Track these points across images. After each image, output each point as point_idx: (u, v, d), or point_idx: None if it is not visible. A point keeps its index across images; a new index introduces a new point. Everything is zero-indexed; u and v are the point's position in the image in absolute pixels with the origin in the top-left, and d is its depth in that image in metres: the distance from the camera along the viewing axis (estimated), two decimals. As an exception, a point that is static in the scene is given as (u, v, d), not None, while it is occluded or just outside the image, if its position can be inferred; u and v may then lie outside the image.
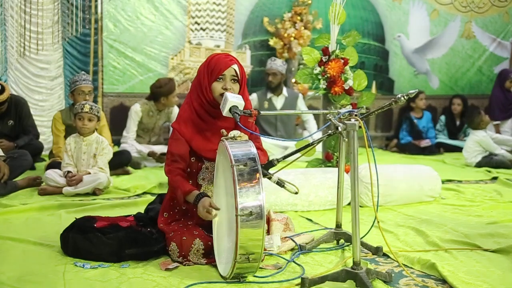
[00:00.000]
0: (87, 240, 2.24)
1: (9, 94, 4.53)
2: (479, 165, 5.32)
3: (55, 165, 4.06)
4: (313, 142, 2.28)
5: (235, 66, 2.34)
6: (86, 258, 2.22)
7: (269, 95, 5.91)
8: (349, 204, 3.23)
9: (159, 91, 5.12)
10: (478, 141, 5.41)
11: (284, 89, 5.96)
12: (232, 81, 2.33)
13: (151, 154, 5.11)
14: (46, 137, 5.52)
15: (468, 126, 6.01)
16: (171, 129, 2.42)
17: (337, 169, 2.52)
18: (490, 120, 5.61)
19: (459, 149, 6.24)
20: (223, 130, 2.13)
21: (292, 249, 2.43)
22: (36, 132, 4.90)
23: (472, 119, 5.55)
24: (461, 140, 6.97)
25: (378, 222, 2.09)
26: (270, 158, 2.29)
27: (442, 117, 7.38)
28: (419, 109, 6.97)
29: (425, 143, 6.67)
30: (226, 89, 2.29)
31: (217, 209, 2.10)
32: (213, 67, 2.33)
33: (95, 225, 2.35)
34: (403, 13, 7.69)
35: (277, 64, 5.83)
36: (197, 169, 2.41)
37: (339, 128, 1.96)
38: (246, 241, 1.87)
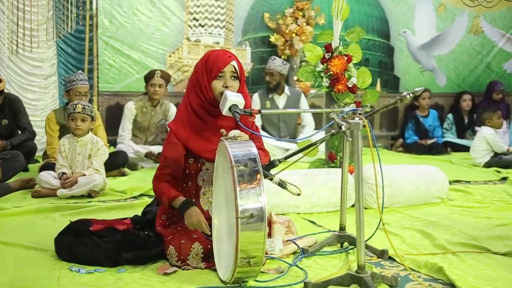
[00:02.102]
0: (83, 244, 2.24)
1: (5, 85, 4.59)
2: (487, 165, 5.32)
3: (49, 166, 4.06)
4: (315, 142, 2.28)
5: (234, 63, 2.33)
6: (82, 262, 2.22)
7: (270, 94, 5.91)
8: (353, 205, 3.24)
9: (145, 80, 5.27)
10: (486, 138, 5.41)
11: (286, 88, 5.97)
12: (232, 78, 2.33)
13: (149, 155, 5.12)
14: (39, 138, 5.51)
15: (478, 117, 6.04)
16: (169, 129, 2.42)
17: (340, 169, 2.51)
18: (501, 125, 5.62)
19: (467, 149, 6.24)
20: (223, 130, 2.13)
21: (294, 253, 2.43)
22: (32, 130, 4.92)
23: (483, 112, 5.60)
24: (468, 139, 6.99)
25: (383, 224, 2.09)
26: (272, 159, 2.29)
27: (450, 115, 7.39)
28: (423, 107, 6.97)
29: (430, 141, 6.67)
30: (226, 87, 2.29)
31: (207, 232, 2.20)
32: (212, 65, 2.32)
33: (90, 228, 2.35)
34: (408, 8, 7.69)
35: (275, 64, 5.82)
36: (196, 171, 2.41)
37: (343, 127, 1.96)
38: (247, 244, 1.86)
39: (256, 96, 5.92)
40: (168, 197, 2.29)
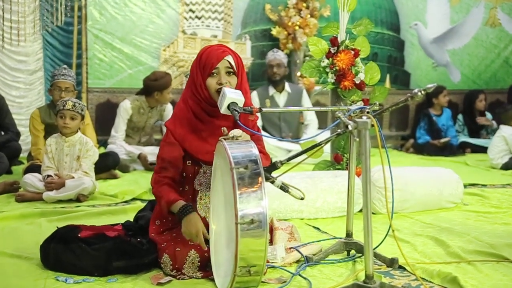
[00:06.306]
0: (70, 252, 2.24)
1: None
2: (505, 166, 5.32)
3: (35, 168, 4.06)
4: (320, 142, 2.28)
5: (229, 58, 2.34)
6: (69, 271, 2.22)
7: (271, 91, 5.92)
8: (360, 211, 3.24)
9: (154, 85, 5.14)
10: (505, 137, 5.42)
11: (287, 85, 5.97)
12: (227, 74, 2.34)
13: (142, 158, 5.10)
14: (24, 138, 5.52)
15: (499, 116, 6.08)
16: (164, 128, 2.43)
17: (347, 172, 2.51)
18: None
19: (486, 150, 6.23)
20: (224, 129, 2.13)
21: (297, 261, 2.43)
22: (15, 129, 4.92)
23: (506, 110, 5.70)
24: (486, 138, 6.99)
25: (393, 230, 2.09)
26: (273, 160, 2.29)
27: (460, 116, 7.40)
28: (440, 106, 6.98)
29: (443, 140, 6.68)
30: (221, 84, 2.30)
31: (206, 238, 2.17)
32: (205, 62, 2.34)
33: (79, 235, 2.35)
34: (420, -1, 7.70)
35: (280, 56, 5.87)
36: (193, 174, 2.42)
37: (349, 126, 1.96)
38: (247, 252, 1.86)
39: (254, 95, 5.91)
40: (167, 201, 2.28)
